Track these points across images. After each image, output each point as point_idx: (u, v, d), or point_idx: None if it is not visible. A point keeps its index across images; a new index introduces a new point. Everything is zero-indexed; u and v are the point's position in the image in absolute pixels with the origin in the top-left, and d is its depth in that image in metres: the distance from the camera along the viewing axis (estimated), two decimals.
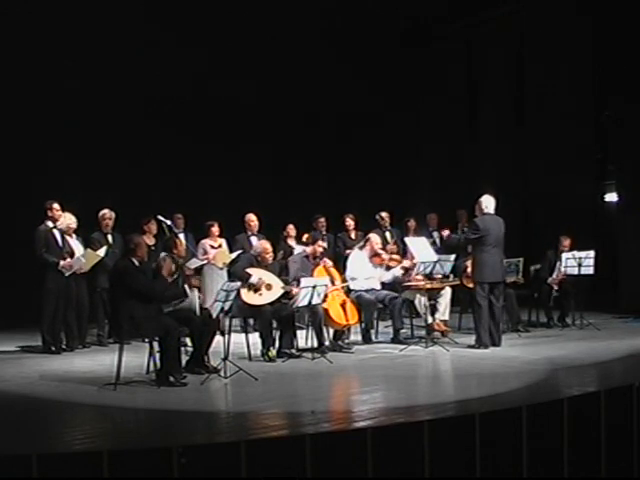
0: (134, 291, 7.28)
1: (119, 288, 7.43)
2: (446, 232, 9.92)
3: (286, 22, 13.53)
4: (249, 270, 8.65)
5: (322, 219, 11.88)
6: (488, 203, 9.33)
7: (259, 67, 13.31)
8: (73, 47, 11.98)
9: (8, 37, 11.65)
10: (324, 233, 11.68)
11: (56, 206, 9.21)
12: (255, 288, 8.56)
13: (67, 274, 9.12)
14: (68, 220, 9.36)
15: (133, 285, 7.28)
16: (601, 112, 12.96)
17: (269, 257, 8.97)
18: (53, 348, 9.15)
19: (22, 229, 9.75)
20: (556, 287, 10.89)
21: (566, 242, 11.01)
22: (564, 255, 10.76)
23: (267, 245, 9.06)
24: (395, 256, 10.17)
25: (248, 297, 8.51)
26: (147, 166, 12.51)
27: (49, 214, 9.17)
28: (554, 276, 10.93)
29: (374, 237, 10.09)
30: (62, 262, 9.08)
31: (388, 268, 9.96)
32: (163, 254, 7.89)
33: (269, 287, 8.66)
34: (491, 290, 9.19)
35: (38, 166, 11.82)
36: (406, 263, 9.93)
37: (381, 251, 9.99)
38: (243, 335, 8.79)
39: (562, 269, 10.79)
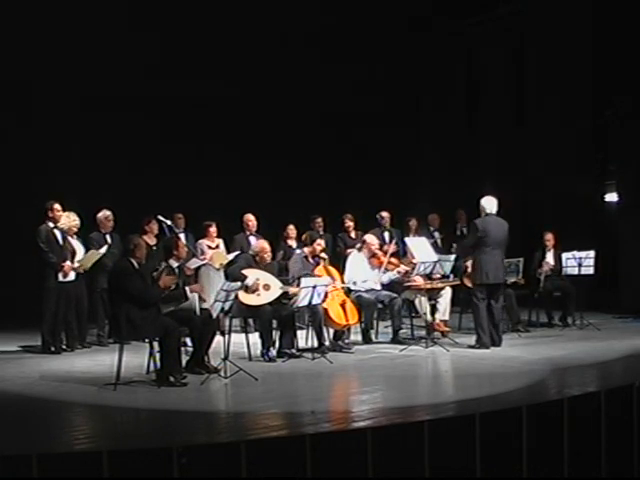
0: (129, 294, 7.28)
1: (116, 289, 7.43)
2: None
3: (286, 22, 13.54)
4: (246, 271, 8.62)
5: (319, 219, 11.84)
6: (489, 204, 9.28)
7: (259, 68, 13.31)
8: (73, 47, 11.99)
9: (9, 36, 11.66)
10: (321, 233, 11.66)
11: (57, 207, 9.17)
12: (252, 290, 8.55)
13: (62, 279, 9.09)
14: (72, 221, 9.35)
15: (128, 287, 7.28)
16: (601, 112, 12.96)
17: (267, 257, 8.94)
18: (53, 348, 9.14)
19: (22, 229, 9.73)
20: (546, 272, 10.82)
21: (548, 236, 11.02)
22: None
23: (265, 245, 9.04)
24: (393, 259, 10.12)
25: (245, 298, 8.49)
26: (147, 166, 12.50)
27: (50, 214, 9.14)
28: (540, 270, 10.90)
29: (370, 238, 10.04)
30: (64, 264, 9.07)
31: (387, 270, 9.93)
32: (164, 264, 7.78)
33: (267, 287, 8.64)
34: (490, 291, 9.18)
35: (38, 166, 11.81)
36: (402, 268, 9.91)
37: (378, 252, 9.97)
38: (243, 335, 8.78)
39: (550, 261, 10.87)
